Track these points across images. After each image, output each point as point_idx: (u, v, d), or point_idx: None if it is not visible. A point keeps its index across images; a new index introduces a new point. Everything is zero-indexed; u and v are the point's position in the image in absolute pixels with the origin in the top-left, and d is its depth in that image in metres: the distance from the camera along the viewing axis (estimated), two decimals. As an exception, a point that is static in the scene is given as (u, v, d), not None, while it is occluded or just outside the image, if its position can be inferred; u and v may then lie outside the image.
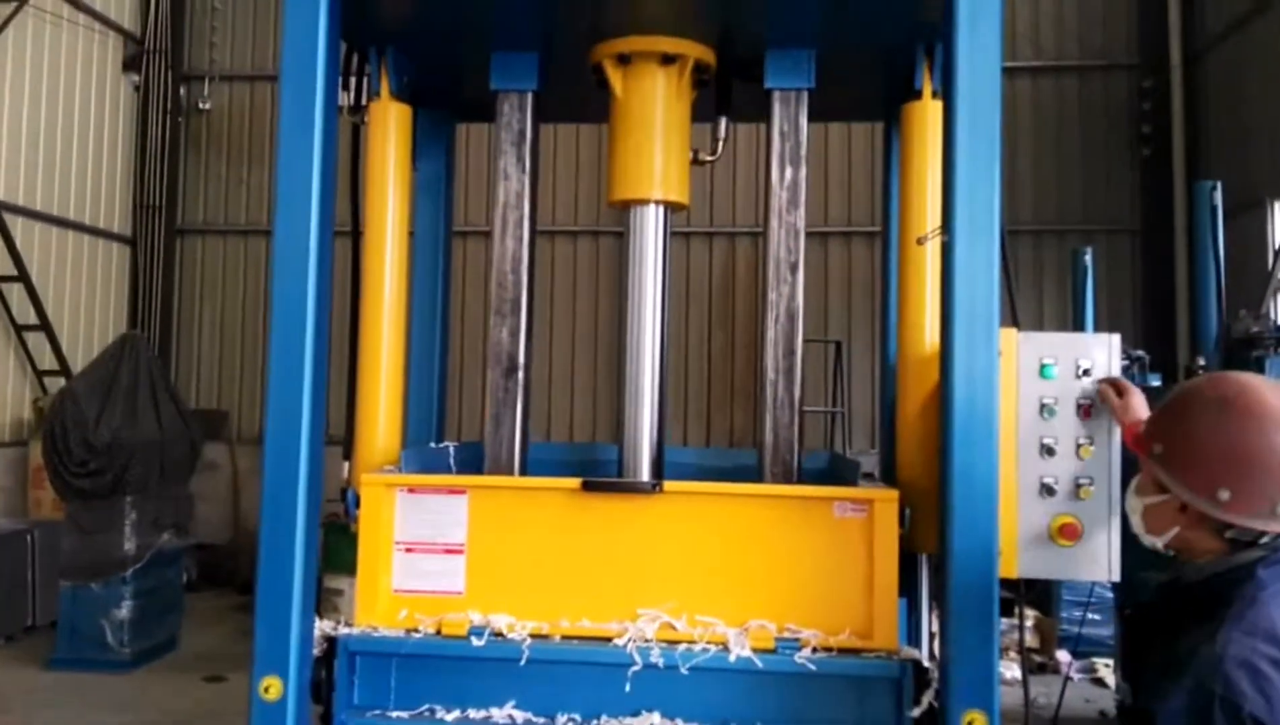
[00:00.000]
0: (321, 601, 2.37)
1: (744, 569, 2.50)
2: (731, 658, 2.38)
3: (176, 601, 7.76)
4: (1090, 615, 6.91)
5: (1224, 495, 1.68)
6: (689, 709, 2.43)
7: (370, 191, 2.86)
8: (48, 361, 9.40)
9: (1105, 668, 7.00)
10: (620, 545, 2.53)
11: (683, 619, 2.48)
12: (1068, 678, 6.59)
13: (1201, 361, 5.92)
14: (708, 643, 2.42)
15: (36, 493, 8.91)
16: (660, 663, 2.39)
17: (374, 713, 2.52)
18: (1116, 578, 2.49)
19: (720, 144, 2.94)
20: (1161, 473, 1.77)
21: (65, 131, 9.96)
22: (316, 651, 2.49)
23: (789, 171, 2.79)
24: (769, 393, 2.74)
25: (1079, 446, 2.52)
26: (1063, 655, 7.25)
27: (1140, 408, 2.40)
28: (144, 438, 6.96)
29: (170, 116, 10.95)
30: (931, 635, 2.87)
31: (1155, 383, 6.77)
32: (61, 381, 8.65)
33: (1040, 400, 2.53)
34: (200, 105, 11.12)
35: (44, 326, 9.27)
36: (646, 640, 2.43)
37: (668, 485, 2.55)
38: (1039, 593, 7.81)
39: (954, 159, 2.31)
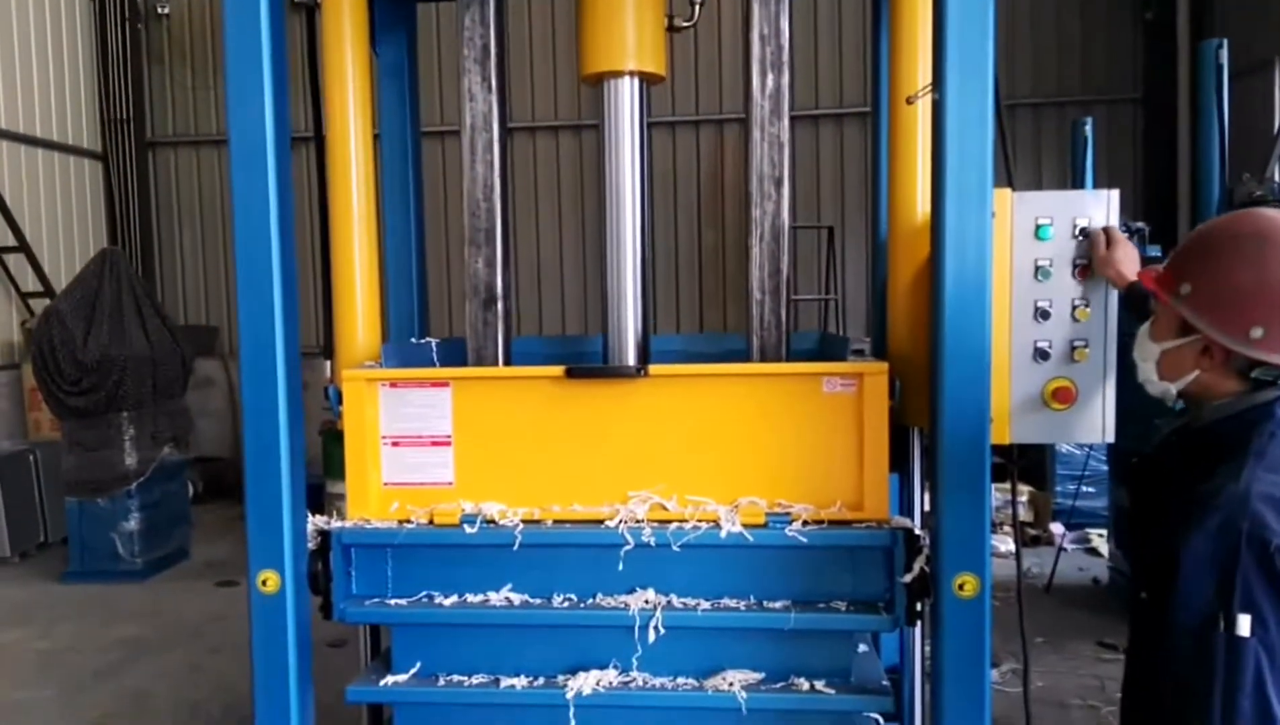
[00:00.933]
0: (326, 506, 2.39)
1: (733, 449, 2.48)
2: (723, 534, 2.37)
3: (184, 513, 7.86)
4: (1085, 488, 6.98)
5: (1257, 333, 1.63)
6: (682, 585, 2.45)
7: (329, 80, 2.72)
8: (30, 283, 9.29)
9: (1099, 538, 7.12)
10: (608, 431, 2.51)
11: (673, 500, 2.47)
12: (1061, 548, 6.73)
13: (1201, 227, 5.82)
14: (699, 521, 2.41)
15: (35, 414, 8.94)
16: (652, 542, 2.39)
17: (373, 601, 2.54)
18: (1111, 439, 2.48)
19: (697, 8, 2.80)
20: (1189, 313, 1.72)
21: (22, 44, 9.61)
22: (311, 545, 2.49)
23: (770, 79, 2.60)
24: (755, 312, 2.65)
25: (1074, 308, 2.47)
26: (1056, 528, 7.37)
27: (1125, 261, 2.36)
28: (133, 353, 6.92)
29: (129, 24, 10.55)
30: (924, 513, 2.87)
31: (1154, 254, 6.70)
32: (46, 302, 8.56)
33: (1035, 262, 2.47)
34: (159, 10, 10.71)
35: (23, 247, 9.13)
36: (638, 521, 2.43)
37: (653, 369, 2.51)
38: (1033, 465, 7.89)
39: (945, 6, 2.19)
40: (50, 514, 7.99)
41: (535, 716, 2.51)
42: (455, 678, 2.54)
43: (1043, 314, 2.48)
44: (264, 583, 2.42)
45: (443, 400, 2.53)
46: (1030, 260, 2.47)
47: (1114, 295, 2.47)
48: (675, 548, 2.38)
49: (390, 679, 2.54)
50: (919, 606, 2.37)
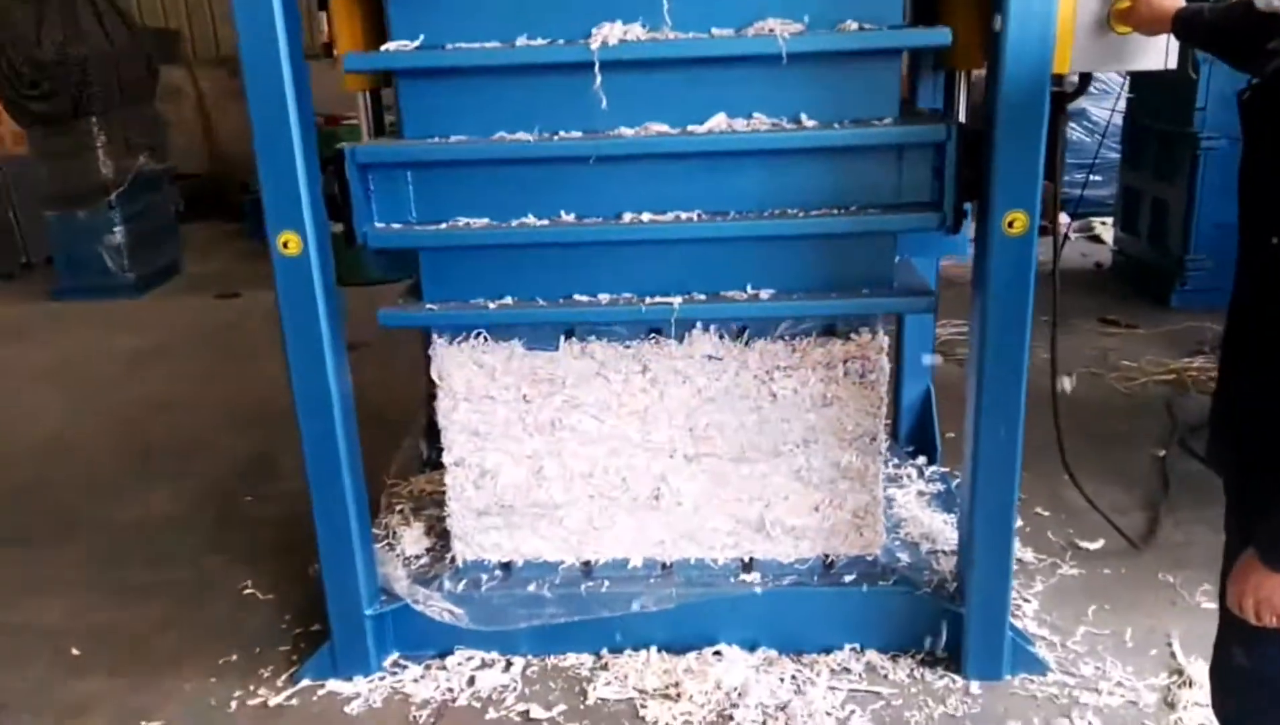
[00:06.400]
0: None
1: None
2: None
3: (171, 226, 7.66)
4: (1092, 177, 6.87)
5: None
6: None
7: None
8: (-32, -18, 8.52)
9: (1102, 226, 7.13)
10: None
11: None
12: (1066, 236, 6.72)
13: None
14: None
15: (-3, 128, 8.49)
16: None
17: (396, 226, 2.46)
18: (1174, 65, 2.32)
19: None
20: None
21: None
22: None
23: None
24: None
25: (1154, -95, 2.23)
26: (1062, 217, 7.33)
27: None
28: (93, 51, 6.44)
29: None
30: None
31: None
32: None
33: None
34: None
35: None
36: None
37: None
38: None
39: None
40: (29, 234, 7.73)
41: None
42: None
43: (1118, -80, 2.24)
44: (285, 245, 2.35)
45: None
46: None
47: None
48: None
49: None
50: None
